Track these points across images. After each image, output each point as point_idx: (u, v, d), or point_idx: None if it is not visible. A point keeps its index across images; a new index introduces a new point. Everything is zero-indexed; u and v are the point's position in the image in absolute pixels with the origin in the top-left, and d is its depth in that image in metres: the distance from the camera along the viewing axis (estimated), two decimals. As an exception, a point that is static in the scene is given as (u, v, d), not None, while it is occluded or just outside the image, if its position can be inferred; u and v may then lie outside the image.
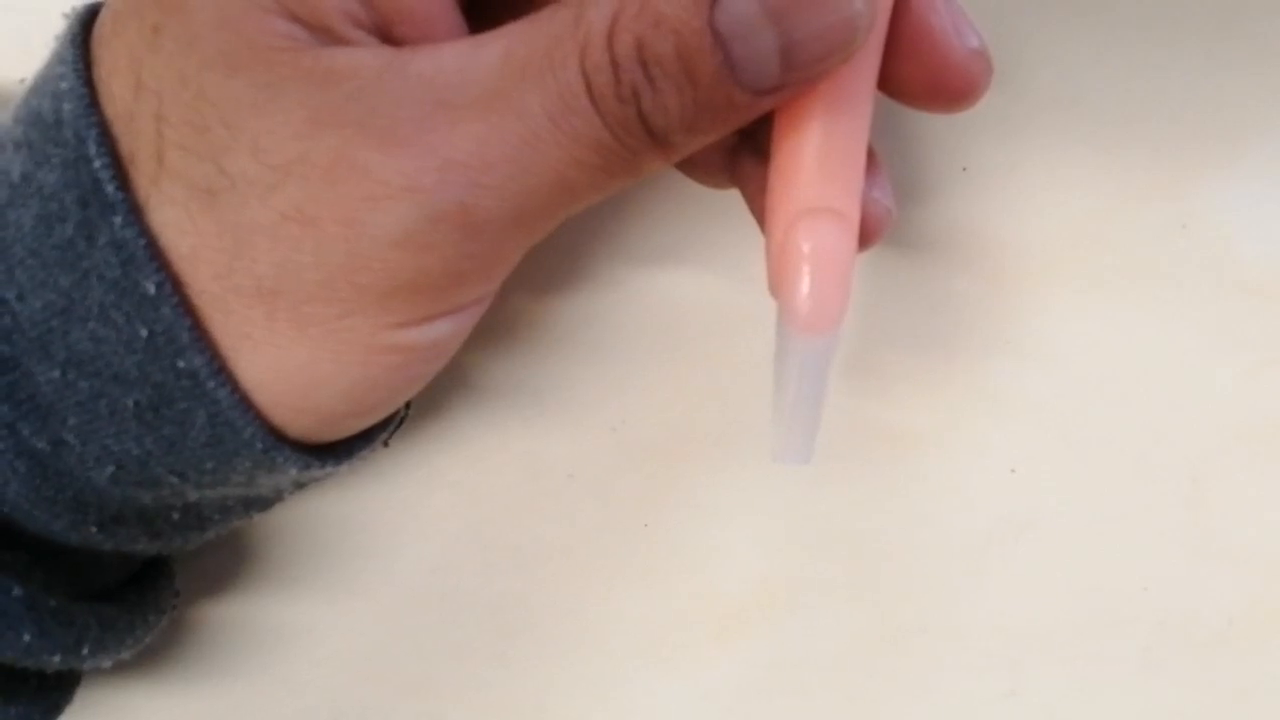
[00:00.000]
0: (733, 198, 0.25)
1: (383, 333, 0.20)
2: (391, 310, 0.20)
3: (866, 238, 0.22)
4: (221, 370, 0.20)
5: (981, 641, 0.28)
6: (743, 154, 0.23)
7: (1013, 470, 0.28)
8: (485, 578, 0.29)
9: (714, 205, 0.27)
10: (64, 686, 0.25)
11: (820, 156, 0.20)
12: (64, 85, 0.20)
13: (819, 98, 0.20)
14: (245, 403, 0.20)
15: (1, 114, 0.21)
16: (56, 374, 0.20)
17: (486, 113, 0.18)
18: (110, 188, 0.19)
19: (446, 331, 0.21)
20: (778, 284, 0.20)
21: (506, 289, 0.27)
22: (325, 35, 0.19)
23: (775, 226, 0.20)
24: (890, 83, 0.21)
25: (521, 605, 0.29)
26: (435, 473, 0.29)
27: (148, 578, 0.25)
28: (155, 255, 0.19)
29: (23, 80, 0.21)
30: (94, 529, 0.22)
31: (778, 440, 0.21)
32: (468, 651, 0.29)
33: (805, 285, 0.20)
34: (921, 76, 0.21)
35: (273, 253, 0.19)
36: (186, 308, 0.19)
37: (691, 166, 0.24)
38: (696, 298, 0.29)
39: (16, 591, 0.21)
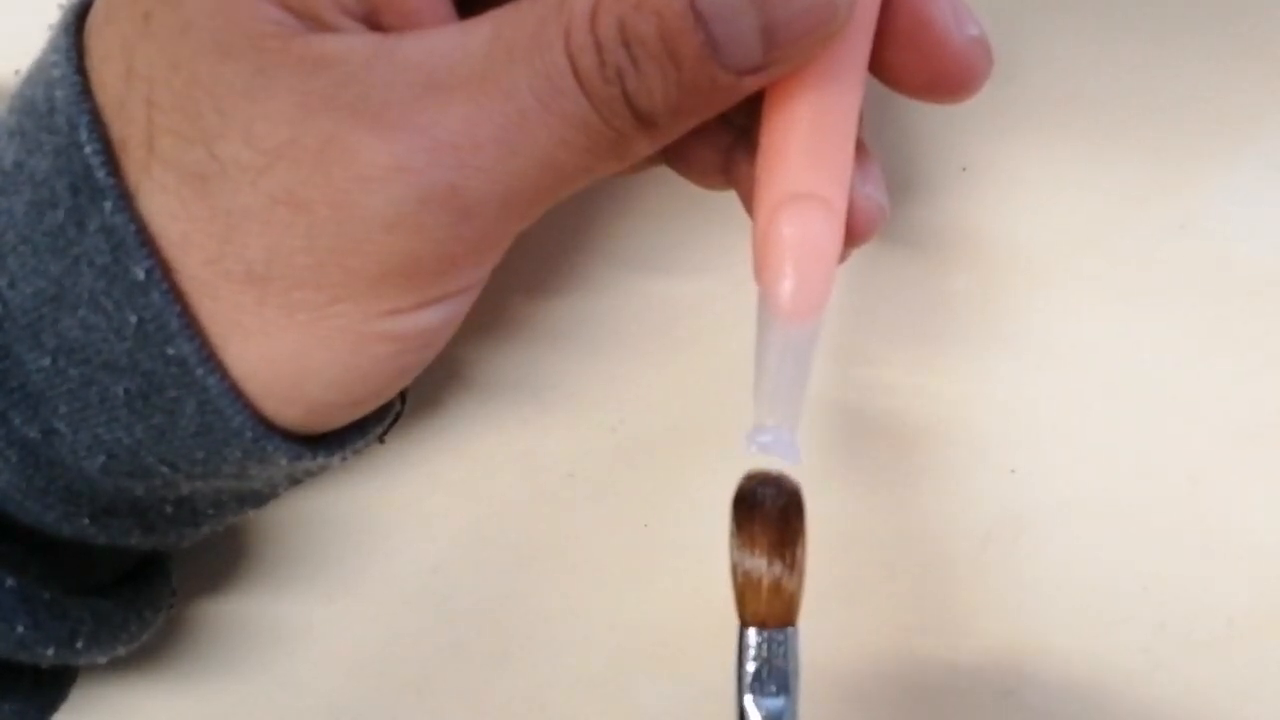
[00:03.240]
0: (730, 199, 0.25)
1: (373, 320, 0.20)
2: (382, 296, 0.20)
3: (859, 234, 0.22)
4: (210, 358, 0.20)
5: (981, 641, 0.28)
6: (738, 154, 0.23)
7: (1013, 470, 0.28)
8: (484, 577, 0.29)
9: (712, 206, 0.27)
10: (59, 684, 0.25)
11: (806, 142, 0.20)
12: (56, 73, 0.20)
13: (806, 83, 0.20)
14: (234, 391, 0.20)
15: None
16: (47, 362, 0.20)
17: (475, 94, 0.19)
18: (101, 174, 0.19)
19: (437, 320, 0.21)
20: (760, 270, 0.20)
21: (506, 289, 0.27)
22: (315, 22, 0.19)
23: (760, 212, 0.20)
24: (889, 72, 0.21)
25: (521, 605, 0.29)
26: (434, 472, 0.29)
27: (144, 575, 0.25)
28: (145, 241, 0.19)
29: (18, 71, 0.21)
30: (86, 521, 0.22)
31: (758, 430, 0.21)
32: (467, 651, 0.29)
33: (787, 273, 0.20)
34: (920, 65, 0.21)
35: (263, 237, 0.19)
36: (176, 294, 0.19)
37: (688, 168, 0.24)
38: (696, 298, 0.29)
39: (10, 583, 0.21)
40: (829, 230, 0.20)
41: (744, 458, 0.29)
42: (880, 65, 0.21)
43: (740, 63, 0.19)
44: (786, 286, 0.20)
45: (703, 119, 0.20)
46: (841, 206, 0.20)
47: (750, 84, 0.19)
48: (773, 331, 0.20)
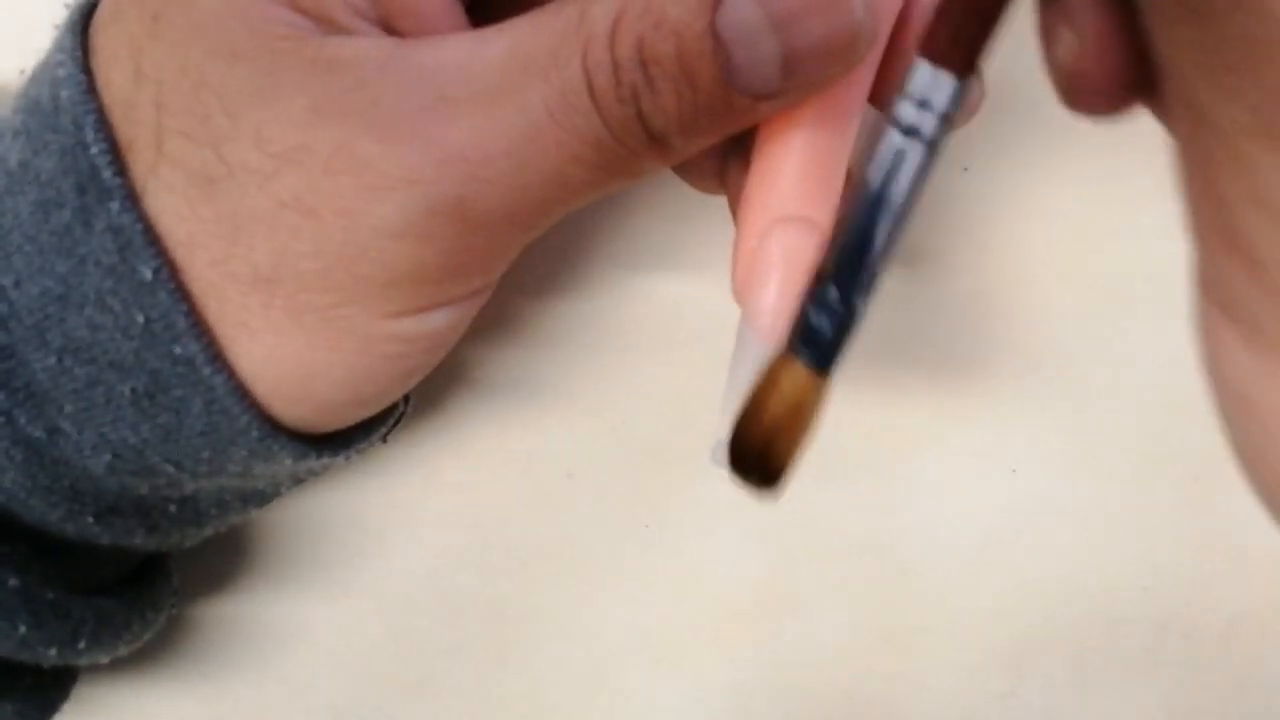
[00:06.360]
0: (732, 200, 0.25)
1: (379, 322, 0.20)
2: (388, 300, 0.20)
3: None
4: (218, 357, 0.20)
5: (981, 641, 0.28)
6: (731, 161, 0.23)
7: (1013, 470, 0.28)
8: (485, 577, 0.29)
9: (712, 206, 0.27)
10: (60, 684, 0.25)
11: (801, 167, 0.20)
12: (62, 72, 0.20)
13: (807, 108, 0.20)
14: (241, 390, 0.20)
15: (3, 108, 0.21)
16: (53, 361, 0.20)
17: (488, 107, 0.19)
18: (107, 173, 0.19)
19: (443, 323, 0.21)
20: (744, 289, 0.20)
21: (506, 289, 0.27)
22: (328, 25, 0.19)
23: (748, 232, 0.20)
24: (884, 100, 0.21)
25: (521, 605, 0.29)
26: (435, 472, 0.29)
27: (146, 575, 0.25)
28: (152, 240, 0.19)
29: (23, 71, 0.21)
30: (90, 520, 0.22)
31: (723, 443, 0.20)
32: (467, 651, 0.29)
33: (772, 293, 0.20)
34: None
35: (270, 241, 0.19)
36: (183, 294, 0.19)
37: (685, 170, 0.24)
38: (696, 298, 0.29)
39: (13, 582, 0.21)
40: (815, 254, 0.20)
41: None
42: (878, 97, 0.21)
43: (758, 88, 0.19)
44: (772, 308, 0.20)
45: (715, 140, 0.20)
46: (829, 231, 0.20)
47: (766, 109, 0.19)
48: (750, 349, 0.20)
